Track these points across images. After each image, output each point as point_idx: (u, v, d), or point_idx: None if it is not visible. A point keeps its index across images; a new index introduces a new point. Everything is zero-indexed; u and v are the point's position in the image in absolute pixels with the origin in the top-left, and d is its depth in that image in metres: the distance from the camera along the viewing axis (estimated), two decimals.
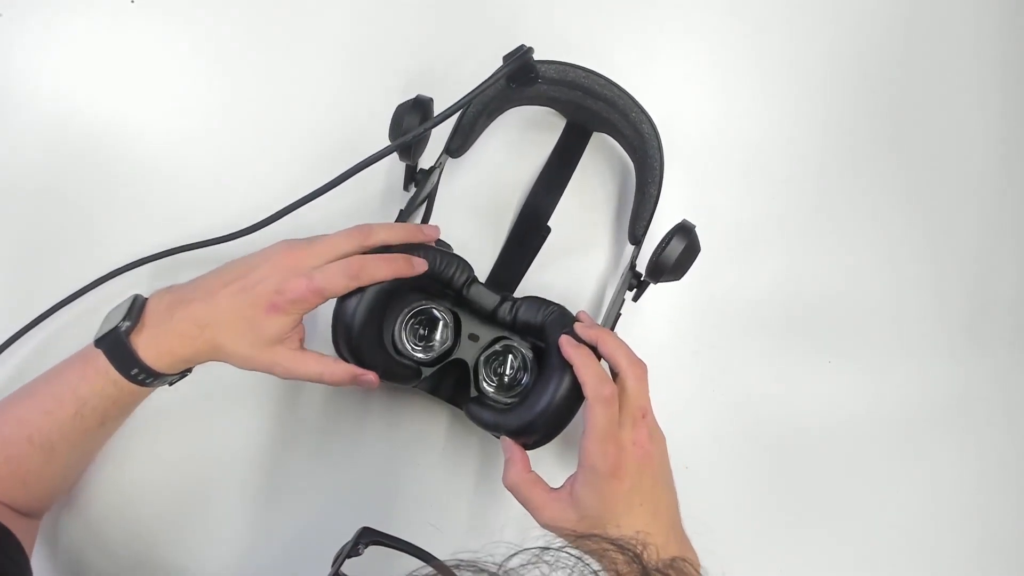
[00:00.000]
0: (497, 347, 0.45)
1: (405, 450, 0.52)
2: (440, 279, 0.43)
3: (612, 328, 0.48)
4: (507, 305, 0.44)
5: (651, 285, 0.47)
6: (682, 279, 0.46)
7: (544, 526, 0.40)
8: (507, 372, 0.45)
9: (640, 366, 0.42)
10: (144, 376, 0.39)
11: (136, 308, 0.40)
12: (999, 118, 0.64)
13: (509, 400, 0.45)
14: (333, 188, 0.41)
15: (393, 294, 0.42)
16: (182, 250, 0.48)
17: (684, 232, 0.44)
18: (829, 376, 0.58)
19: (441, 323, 0.45)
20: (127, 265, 0.48)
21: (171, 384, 0.43)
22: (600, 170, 0.56)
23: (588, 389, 0.39)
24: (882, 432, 0.58)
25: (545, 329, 0.43)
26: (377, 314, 0.41)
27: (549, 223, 0.54)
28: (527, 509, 0.41)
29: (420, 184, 0.48)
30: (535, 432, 0.41)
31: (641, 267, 0.46)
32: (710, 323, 0.56)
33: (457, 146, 0.48)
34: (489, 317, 0.44)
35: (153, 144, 0.52)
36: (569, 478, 0.41)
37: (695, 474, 0.54)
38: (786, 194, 0.59)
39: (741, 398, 0.56)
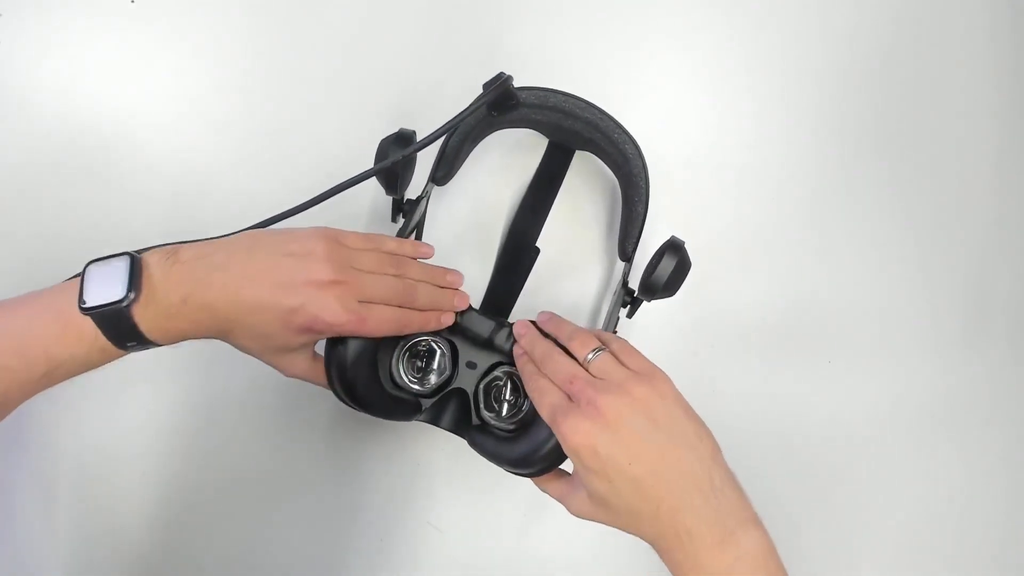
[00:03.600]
0: (496, 373, 0.44)
1: (406, 450, 0.52)
2: None
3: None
4: (503, 332, 0.43)
5: (644, 302, 0.47)
6: (676, 294, 0.45)
7: (578, 516, 0.38)
8: (507, 398, 0.44)
9: (545, 352, 0.40)
10: (138, 346, 0.36)
11: (136, 275, 0.35)
12: (993, 120, 0.63)
13: (511, 427, 0.43)
14: (312, 207, 0.40)
15: None
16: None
17: (674, 249, 0.43)
18: (828, 378, 0.57)
19: (439, 353, 0.44)
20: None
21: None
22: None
23: (541, 409, 0.37)
24: (881, 433, 0.58)
25: None
26: (372, 352, 0.41)
27: (538, 244, 0.54)
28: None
29: (408, 215, 0.47)
30: (534, 465, 0.40)
31: (634, 283, 0.46)
32: (709, 325, 0.56)
33: (443, 174, 0.48)
34: (486, 344, 0.44)
35: (153, 144, 0.52)
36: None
37: None
38: (783, 197, 0.59)
39: (740, 401, 0.56)
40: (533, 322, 0.43)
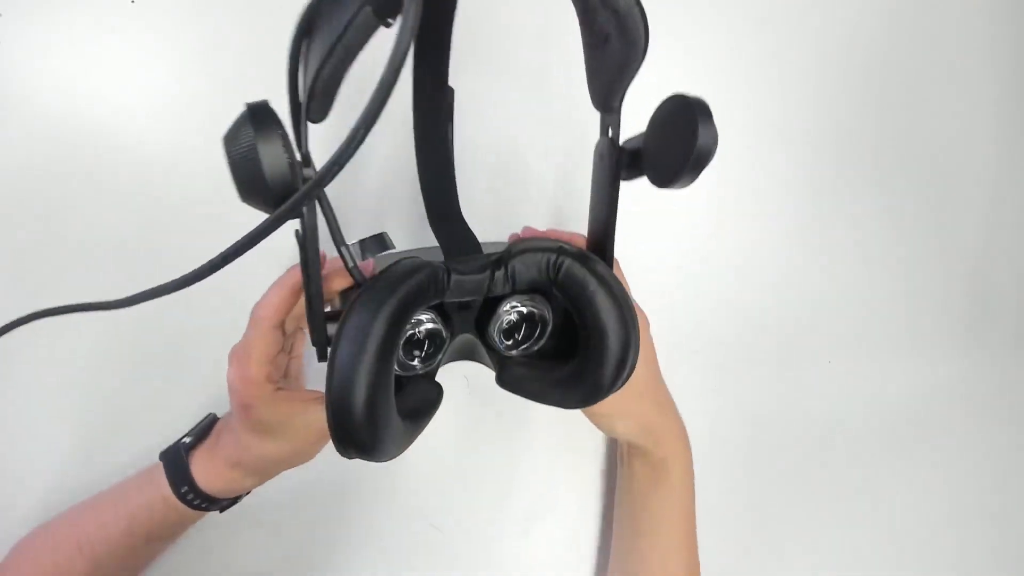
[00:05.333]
0: (507, 317, 0.38)
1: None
2: (419, 305, 0.34)
3: (612, 237, 0.37)
4: (499, 276, 0.36)
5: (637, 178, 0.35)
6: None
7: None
8: (531, 335, 0.39)
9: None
10: (193, 496, 0.38)
11: (204, 424, 0.40)
12: (993, 120, 0.63)
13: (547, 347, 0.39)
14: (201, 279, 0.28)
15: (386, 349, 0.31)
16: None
17: (704, 114, 0.32)
18: (830, 376, 0.58)
19: (437, 331, 0.37)
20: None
21: (221, 511, 0.41)
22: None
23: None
24: (884, 431, 0.58)
25: (563, 289, 0.36)
26: (384, 381, 0.31)
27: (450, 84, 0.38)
28: None
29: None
30: (624, 366, 0.35)
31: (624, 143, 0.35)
32: (709, 325, 0.56)
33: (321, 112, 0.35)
34: (486, 295, 0.37)
35: (153, 144, 0.52)
36: None
37: (695, 474, 0.54)
38: (783, 197, 0.59)
39: (740, 400, 0.56)
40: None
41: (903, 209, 0.60)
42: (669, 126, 0.33)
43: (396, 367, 0.36)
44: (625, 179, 0.36)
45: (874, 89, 0.61)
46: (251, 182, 0.30)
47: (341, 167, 0.23)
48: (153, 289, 0.29)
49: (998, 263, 0.61)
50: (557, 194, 0.55)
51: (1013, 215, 0.62)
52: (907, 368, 0.59)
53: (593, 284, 0.35)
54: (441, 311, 0.37)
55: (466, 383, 0.51)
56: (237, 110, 0.56)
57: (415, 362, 0.38)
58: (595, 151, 0.37)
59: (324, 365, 0.32)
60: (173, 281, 0.27)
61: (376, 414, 0.30)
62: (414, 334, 0.37)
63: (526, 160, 0.55)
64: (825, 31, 0.62)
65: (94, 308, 0.33)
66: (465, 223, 0.38)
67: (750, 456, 0.56)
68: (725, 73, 0.60)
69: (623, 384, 0.36)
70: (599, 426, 0.45)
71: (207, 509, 0.40)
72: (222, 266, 0.26)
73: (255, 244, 0.25)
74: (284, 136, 0.29)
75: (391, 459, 0.33)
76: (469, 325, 0.38)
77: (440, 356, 0.38)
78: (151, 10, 0.53)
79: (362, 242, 0.35)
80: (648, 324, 0.42)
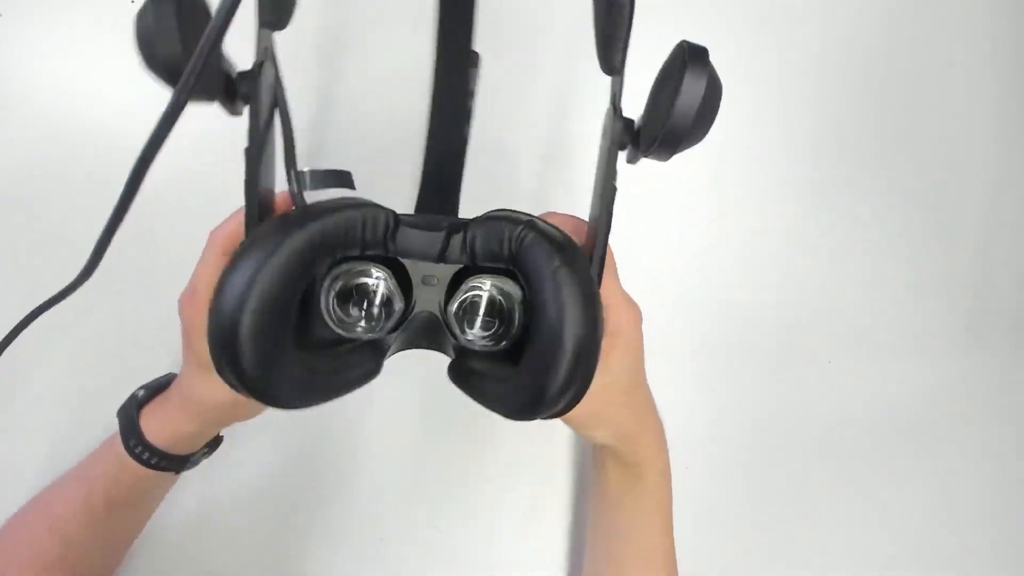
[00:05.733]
0: (474, 291, 0.32)
1: (406, 449, 0.52)
2: (347, 245, 0.30)
3: (609, 214, 0.32)
4: (456, 241, 0.31)
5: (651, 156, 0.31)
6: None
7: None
8: (490, 316, 0.33)
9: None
10: (142, 450, 0.36)
11: (162, 380, 0.39)
12: (993, 119, 0.63)
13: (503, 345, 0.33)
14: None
15: (292, 273, 0.28)
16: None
17: (697, 59, 0.28)
18: (828, 378, 0.57)
19: (381, 284, 0.32)
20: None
21: (177, 472, 0.39)
22: None
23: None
24: (884, 432, 0.58)
25: (520, 266, 0.30)
26: (289, 295, 0.28)
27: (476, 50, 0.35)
28: None
29: (251, 96, 0.30)
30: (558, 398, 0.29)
31: (629, 112, 0.32)
32: (708, 325, 0.56)
33: (276, 15, 0.31)
34: (440, 254, 0.32)
35: None
36: None
37: (695, 474, 0.54)
38: (782, 196, 0.59)
39: (741, 398, 0.56)
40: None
41: (904, 208, 0.60)
42: (660, 82, 0.29)
43: (332, 319, 0.32)
44: (631, 160, 0.31)
45: (875, 88, 0.61)
46: (145, 47, 0.27)
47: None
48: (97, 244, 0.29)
49: (999, 263, 0.61)
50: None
51: (1015, 214, 0.62)
52: (908, 368, 0.59)
53: (553, 266, 0.28)
54: (403, 280, 0.32)
55: None
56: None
57: (359, 321, 0.32)
58: (606, 121, 0.31)
59: None
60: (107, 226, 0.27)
61: (260, 340, 0.26)
62: (360, 285, 0.32)
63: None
64: (826, 30, 0.61)
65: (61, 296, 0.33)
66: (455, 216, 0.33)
67: (750, 456, 0.56)
68: (724, 72, 0.60)
69: (574, 400, 0.29)
70: (575, 432, 0.42)
71: (160, 467, 0.37)
72: (141, 174, 0.25)
73: (169, 127, 0.24)
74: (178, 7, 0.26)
75: (286, 408, 0.29)
76: (433, 304, 0.32)
77: (391, 325, 0.32)
78: None
79: (313, 172, 0.30)
80: (641, 318, 0.37)
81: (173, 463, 0.38)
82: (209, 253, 0.33)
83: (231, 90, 0.30)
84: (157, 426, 0.36)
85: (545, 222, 0.30)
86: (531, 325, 0.30)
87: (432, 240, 0.31)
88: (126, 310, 0.50)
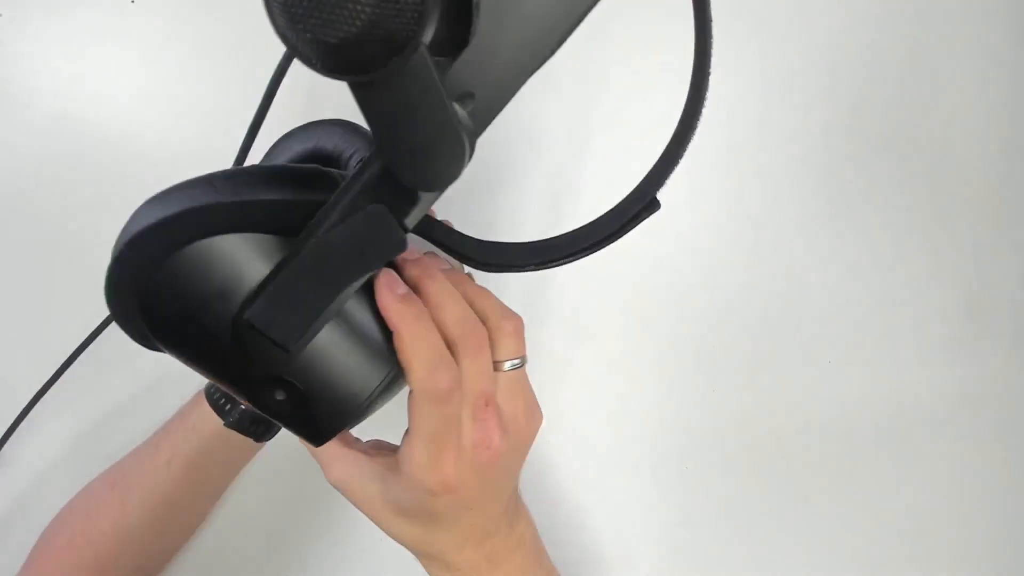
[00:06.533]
0: None
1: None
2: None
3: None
4: None
5: None
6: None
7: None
8: None
9: (478, 331, 0.28)
10: (224, 401, 0.36)
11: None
12: (993, 118, 0.63)
13: None
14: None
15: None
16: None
17: None
18: (828, 378, 0.58)
19: None
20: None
21: (258, 439, 0.39)
22: None
23: (413, 378, 0.26)
24: (884, 432, 0.58)
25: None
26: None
27: None
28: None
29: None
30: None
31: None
32: (707, 325, 0.56)
33: None
34: None
35: (153, 145, 0.52)
36: (387, 461, 0.30)
37: (694, 474, 0.54)
38: (782, 196, 0.59)
39: (739, 400, 0.56)
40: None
41: (904, 208, 0.60)
42: None
43: None
44: None
45: (875, 88, 0.61)
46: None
47: None
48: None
49: (1000, 263, 0.61)
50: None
51: (1015, 214, 0.62)
52: (907, 368, 0.59)
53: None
54: None
55: None
56: (237, 111, 0.56)
57: None
58: None
59: None
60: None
61: None
62: None
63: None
64: (829, 28, 0.61)
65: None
66: None
67: (749, 456, 0.56)
68: (729, 71, 0.60)
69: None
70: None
71: (242, 429, 0.36)
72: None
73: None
74: None
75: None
76: None
77: None
78: (151, 10, 0.53)
79: None
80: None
81: (257, 425, 0.38)
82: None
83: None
84: None
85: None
86: None
87: None
88: None
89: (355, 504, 0.30)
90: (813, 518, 0.56)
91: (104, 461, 0.42)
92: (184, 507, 0.42)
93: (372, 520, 0.30)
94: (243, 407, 0.37)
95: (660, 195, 0.32)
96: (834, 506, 0.56)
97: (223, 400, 0.37)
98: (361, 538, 0.51)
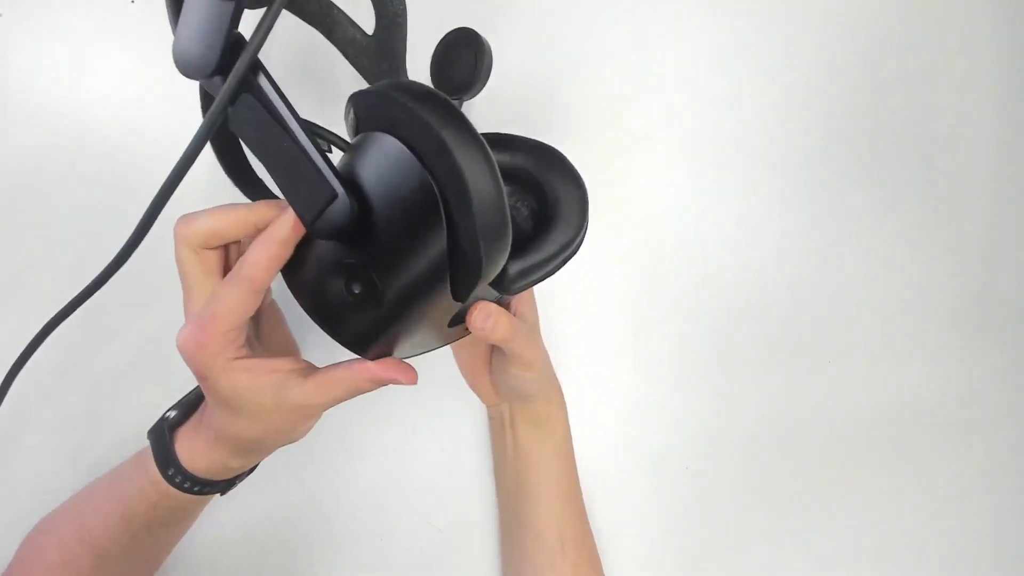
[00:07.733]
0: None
1: (405, 447, 0.52)
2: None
3: None
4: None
5: None
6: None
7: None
8: None
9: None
10: (181, 479, 0.34)
11: (191, 397, 0.36)
12: (994, 117, 0.63)
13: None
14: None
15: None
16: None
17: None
18: (828, 378, 0.57)
19: None
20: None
21: (222, 493, 0.37)
22: None
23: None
24: (884, 432, 0.57)
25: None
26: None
27: None
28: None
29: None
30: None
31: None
32: (708, 325, 0.56)
33: None
34: None
35: (152, 145, 0.52)
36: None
37: (695, 474, 0.54)
38: (782, 196, 0.59)
39: (739, 400, 0.56)
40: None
41: (905, 208, 0.60)
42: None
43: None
44: None
45: (875, 87, 0.61)
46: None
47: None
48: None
49: (1000, 263, 0.61)
50: None
51: (1016, 213, 0.62)
52: (908, 368, 0.59)
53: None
54: None
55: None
56: None
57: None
58: None
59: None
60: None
61: None
62: None
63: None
64: (828, 24, 0.61)
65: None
66: None
67: (750, 456, 0.56)
68: (726, 68, 0.60)
69: (499, 254, 0.29)
70: (516, 382, 0.42)
71: (202, 493, 0.35)
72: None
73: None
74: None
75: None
76: None
77: None
78: (151, 10, 0.53)
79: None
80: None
81: (216, 486, 0.36)
82: (240, 288, 0.30)
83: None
84: (196, 455, 0.34)
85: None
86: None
87: None
88: (141, 306, 0.50)
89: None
90: (816, 517, 0.56)
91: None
92: (156, 559, 0.42)
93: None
94: (202, 480, 0.35)
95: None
96: (835, 506, 0.56)
97: (180, 479, 0.35)
98: (361, 538, 0.51)
